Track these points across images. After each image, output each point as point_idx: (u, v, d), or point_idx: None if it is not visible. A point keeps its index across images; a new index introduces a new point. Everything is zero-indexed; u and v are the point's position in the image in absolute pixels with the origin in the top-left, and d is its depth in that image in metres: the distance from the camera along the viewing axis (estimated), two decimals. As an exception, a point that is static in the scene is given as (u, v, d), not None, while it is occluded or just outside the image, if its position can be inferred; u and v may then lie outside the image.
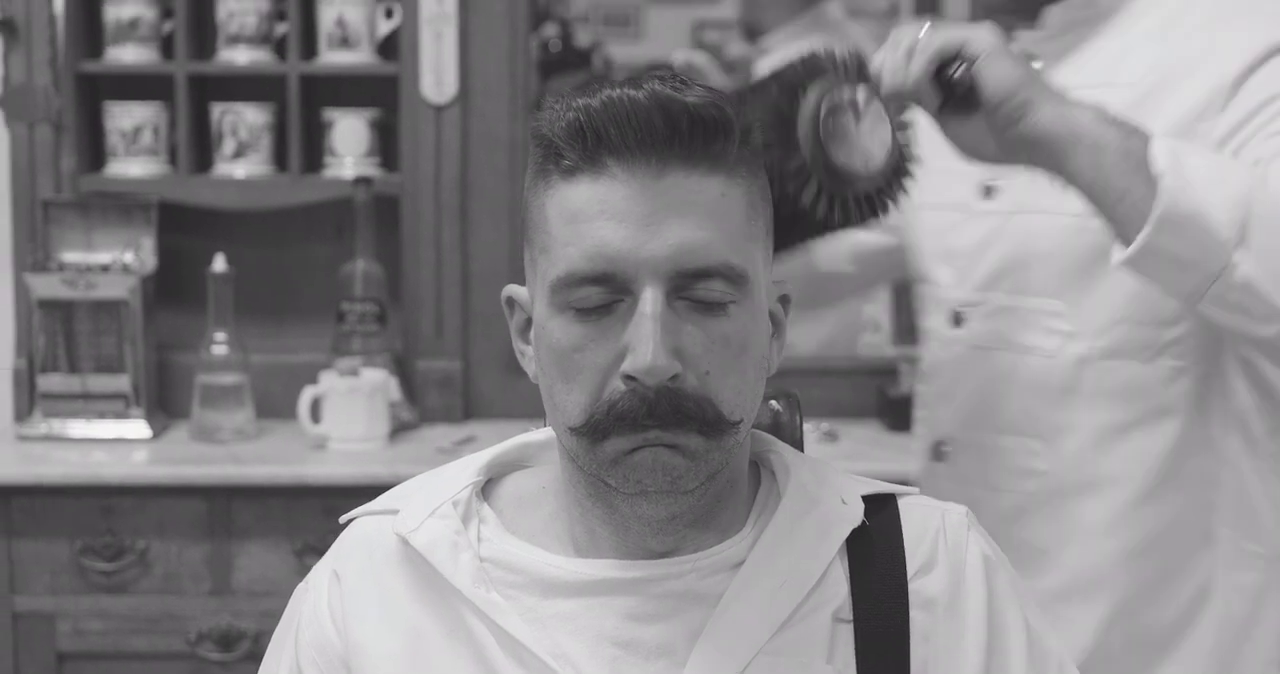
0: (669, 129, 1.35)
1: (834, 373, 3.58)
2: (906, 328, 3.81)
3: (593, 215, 1.35)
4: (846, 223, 1.61)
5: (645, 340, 1.32)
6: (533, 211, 1.43)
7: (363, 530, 1.50)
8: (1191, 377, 1.90)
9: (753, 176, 1.41)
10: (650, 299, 1.33)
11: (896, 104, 1.65)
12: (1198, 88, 1.80)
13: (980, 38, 1.66)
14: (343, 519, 1.52)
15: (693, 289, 1.35)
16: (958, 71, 1.67)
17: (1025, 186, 1.84)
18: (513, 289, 1.48)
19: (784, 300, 1.48)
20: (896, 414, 3.48)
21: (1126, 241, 1.63)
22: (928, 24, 1.69)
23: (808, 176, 1.56)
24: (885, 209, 1.62)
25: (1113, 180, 1.63)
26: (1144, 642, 1.92)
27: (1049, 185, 1.74)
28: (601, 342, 1.35)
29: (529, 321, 1.44)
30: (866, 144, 1.59)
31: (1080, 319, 1.86)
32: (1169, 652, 1.92)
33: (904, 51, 1.66)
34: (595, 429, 1.36)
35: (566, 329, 1.37)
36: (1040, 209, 1.86)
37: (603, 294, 1.35)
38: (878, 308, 3.82)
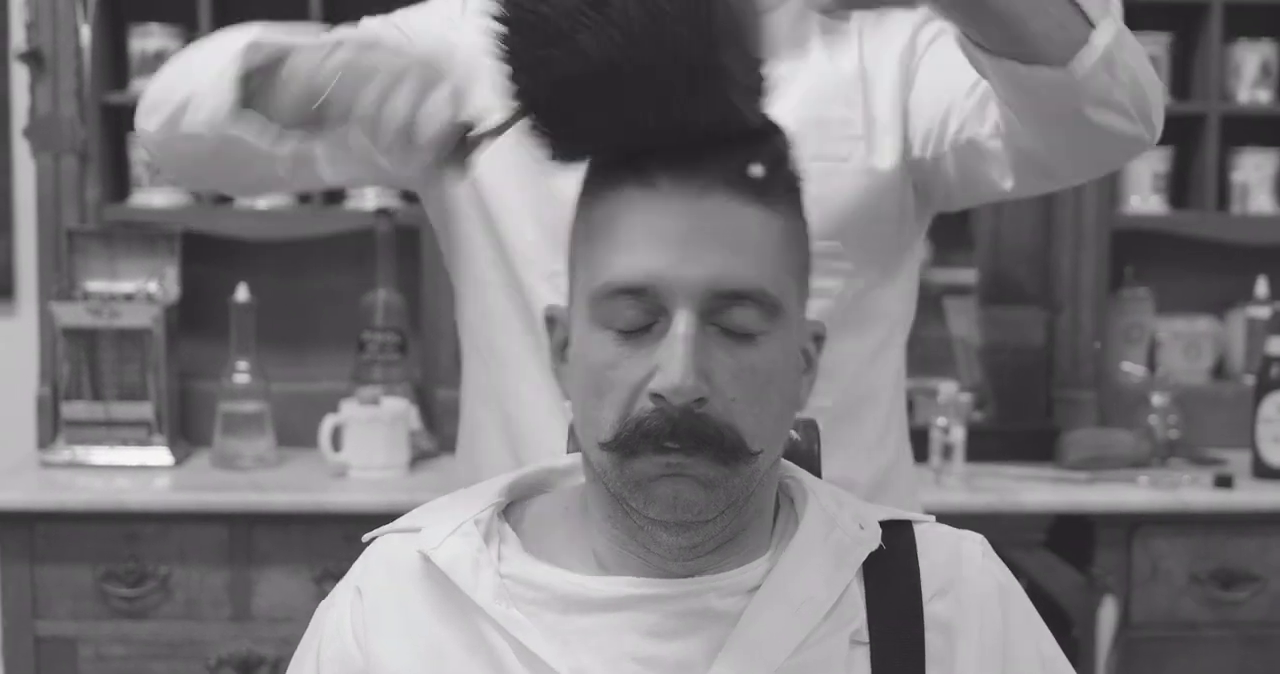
0: (721, 152, 1.38)
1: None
2: (921, 360, 3.84)
3: (636, 229, 1.38)
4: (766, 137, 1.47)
5: (675, 360, 1.35)
6: (578, 226, 1.45)
7: (386, 548, 1.52)
8: (910, 289, 2.04)
9: (792, 213, 1.44)
10: (684, 320, 1.36)
11: None
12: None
13: None
14: (366, 538, 1.54)
15: (726, 314, 1.37)
16: None
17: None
18: (554, 307, 1.50)
19: (817, 339, 1.50)
20: (914, 444, 3.50)
21: (1036, 53, 1.65)
22: None
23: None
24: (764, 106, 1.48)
25: (1033, 6, 1.63)
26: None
27: (811, 130, 1.78)
28: (634, 359, 1.38)
29: (567, 341, 1.47)
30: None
31: (857, 255, 1.90)
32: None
33: None
34: (623, 446, 1.38)
35: (603, 346, 1.39)
36: (811, 155, 1.88)
37: (639, 311, 1.38)
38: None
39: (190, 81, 1.76)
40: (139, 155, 3.59)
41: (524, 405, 2.00)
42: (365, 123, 1.50)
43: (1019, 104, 1.73)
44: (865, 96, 1.94)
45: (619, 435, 1.38)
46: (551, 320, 1.49)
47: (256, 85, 1.65)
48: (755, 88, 1.41)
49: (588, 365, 1.41)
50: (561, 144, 1.41)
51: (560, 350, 1.48)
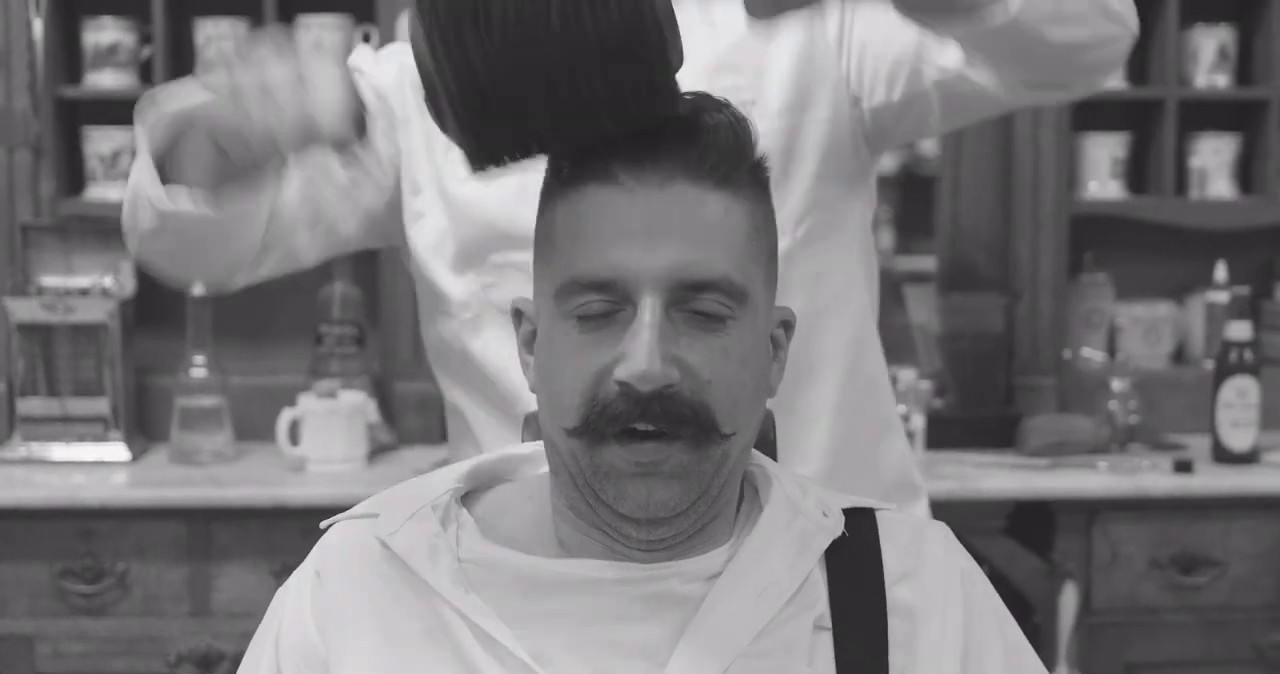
0: (680, 143, 1.38)
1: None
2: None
3: (598, 221, 1.38)
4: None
5: (640, 348, 1.34)
6: (542, 222, 1.45)
7: (343, 534, 1.52)
8: (858, 250, 2.03)
9: (757, 200, 1.44)
10: (649, 307, 1.35)
11: None
12: None
13: None
14: (324, 525, 1.54)
15: (693, 302, 1.37)
16: None
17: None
18: (521, 300, 1.50)
19: (785, 326, 1.50)
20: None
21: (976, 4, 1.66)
22: None
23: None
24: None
25: None
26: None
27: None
28: (600, 347, 1.37)
29: (535, 333, 1.46)
30: None
31: (778, 216, 1.90)
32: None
33: None
34: (590, 431, 1.37)
35: (568, 336, 1.39)
36: None
37: (604, 302, 1.38)
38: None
39: (134, 187, 1.77)
40: (93, 149, 3.57)
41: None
42: (259, 133, 1.51)
43: (983, 50, 1.75)
44: (755, 60, 1.93)
45: (585, 420, 1.37)
46: (518, 313, 1.49)
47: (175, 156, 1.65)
48: (672, 61, 1.38)
49: (552, 353, 1.41)
50: (486, 148, 1.39)
51: (528, 343, 1.48)
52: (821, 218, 1.97)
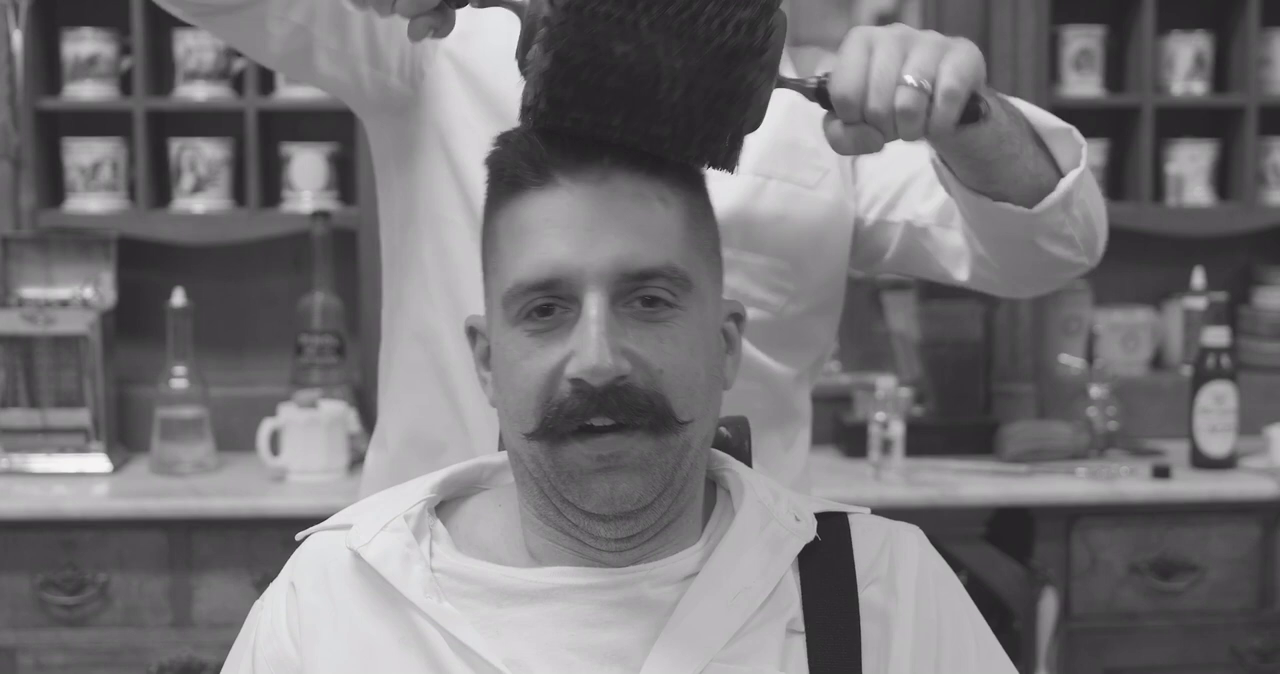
0: (613, 145, 1.40)
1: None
2: (861, 356, 3.86)
3: (538, 227, 1.40)
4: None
5: (589, 343, 1.36)
6: (486, 237, 1.47)
7: (317, 546, 1.53)
8: (835, 327, 2.08)
9: (693, 191, 1.46)
10: (594, 303, 1.37)
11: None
12: None
13: (983, 66, 1.53)
14: (299, 536, 1.54)
15: (638, 291, 1.39)
16: (983, 109, 1.50)
17: (760, 152, 1.89)
18: (474, 318, 1.51)
19: (736, 318, 1.52)
20: (851, 440, 3.52)
21: (1005, 192, 1.69)
22: (904, 35, 1.52)
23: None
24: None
25: (1008, 149, 1.67)
26: None
27: (782, 152, 1.87)
28: (549, 348, 1.39)
29: (489, 349, 1.47)
30: None
31: (805, 279, 1.94)
32: None
33: (897, 74, 1.48)
34: (549, 432, 1.39)
35: (518, 341, 1.41)
36: (770, 174, 1.92)
37: (550, 304, 1.39)
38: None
39: None
40: (74, 161, 3.57)
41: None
42: None
43: (978, 224, 1.79)
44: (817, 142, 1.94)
45: (543, 422, 1.39)
46: (472, 331, 1.51)
47: None
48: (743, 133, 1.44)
49: (505, 361, 1.42)
50: (551, 111, 1.40)
51: (484, 359, 1.49)
52: (834, 292, 2.02)
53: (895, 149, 1.82)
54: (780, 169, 1.92)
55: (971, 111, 1.47)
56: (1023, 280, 1.90)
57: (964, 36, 1.63)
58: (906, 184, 1.95)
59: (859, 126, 1.45)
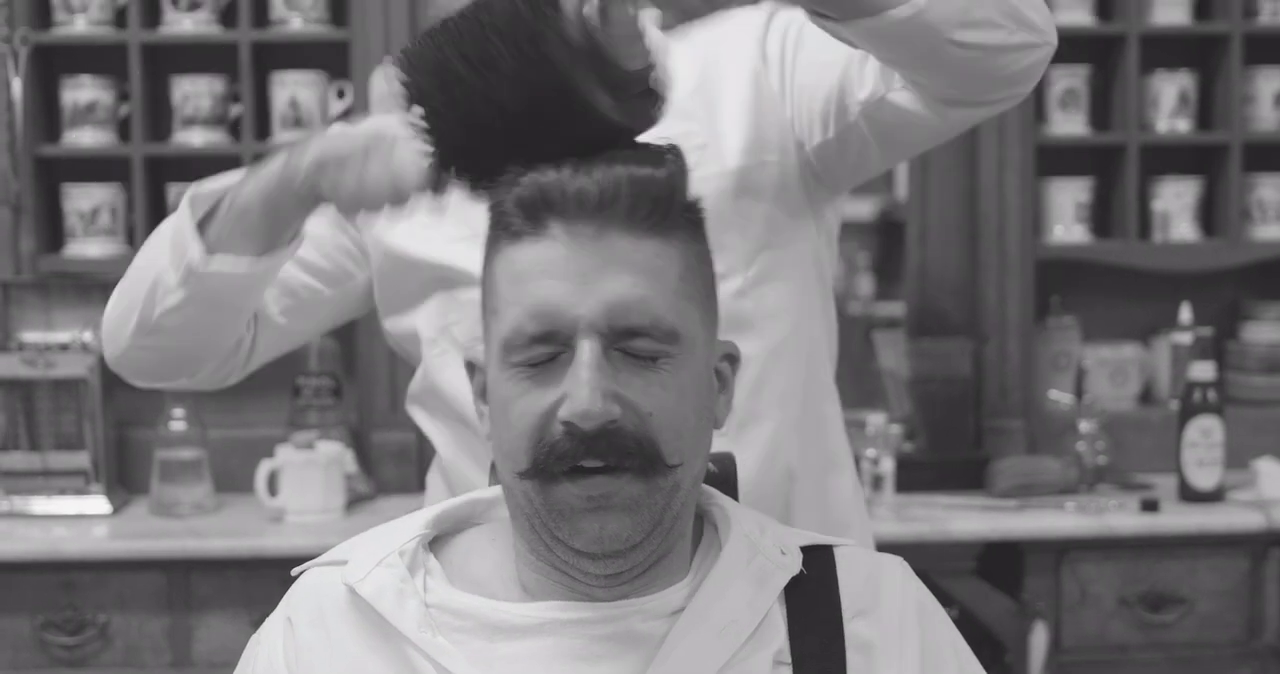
0: (610, 196, 1.43)
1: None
2: (852, 393, 3.88)
3: (535, 274, 1.43)
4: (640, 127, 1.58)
5: (580, 387, 1.39)
6: (486, 280, 1.51)
7: (313, 581, 1.55)
8: (815, 292, 2.08)
9: (690, 240, 1.49)
10: (587, 349, 1.41)
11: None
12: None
13: None
14: (294, 571, 1.57)
15: (627, 343, 1.43)
16: None
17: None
18: (474, 353, 1.54)
19: (730, 359, 1.55)
20: (844, 478, 3.55)
21: (883, 5, 1.70)
22: None
23: (586, 77, 1.52)
24: (659, 108, 1.59)
25: None
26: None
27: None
28: (542, 390, 1.42)
29: (486, 384, 1.51)
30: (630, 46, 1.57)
31: (726, 258, 1.90)
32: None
33: None
34: (540, 472, 1.42)
35: (513, 382, 1.44)
36: None
37: (545, 348, 1.43)
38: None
39: (147, 273, 1.91)
40: (73, 206, 3.61)
41: None
42: (350, 200, 1.72)
43: (894, 56, 1.79)
44: (708, 108, 1.98)
45: (535, 462, 1.42)
46: (471, 366, 1.54)
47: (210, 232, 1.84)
48: (630, 95, 1.51)
49: (500, 399, 1.46)
50: (475, 176, 1.52)
51: (481, 393, 1.52)
52: (774, 257, 2.01)
53: (818, 60, 1.86)
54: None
55: None
56: (982, 85, 1.84)
57: None
58: (842, 83, 1.93)
59: None
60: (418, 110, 1.51)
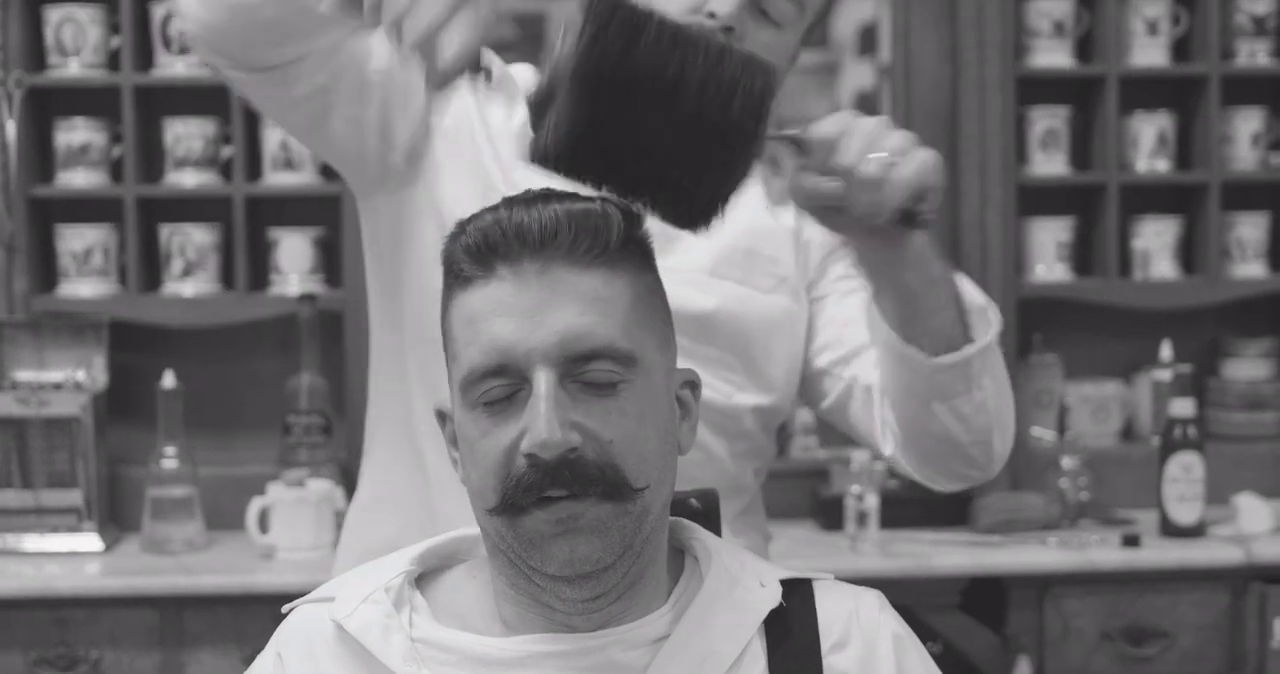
0: (550, 232, 1.47)
1: (769, 475, 3.67)
2: (838, 431, 3.92)
3: (486, 314, 1.47)
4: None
5: (538, 419, 1.43)
6: (444, 327, 1.54)
7: (302, 618, 1.58)
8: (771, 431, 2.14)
9: (637, 270, 1.52)
10: (543, 381, 1.44)
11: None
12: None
13: (940, 174, 1.64)
14: (284, 609, 1.60)
15: (583, 371, 1.46)
16: (924, 211, 1.61)
17: (718, 255, 2.00)
18: (442, 402, 1.58)
19: (691, 385, 1.58)
20: (828, 514, 3.58)
21: (914, 342, 1.78)
22: (884, 122, 1.63)
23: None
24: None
25: (935, 296, 1.77)
26: None
27: (740, 257, 1.96)
28: (504, 427, 1.46)
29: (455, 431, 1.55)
30: None
31: (749, 374, 2.01)
32: None
33: (868, 143, 1.60)
34: (509, 506, 1.45)
35: (476, 422, 1.48)
36: (726, 275, 2.01)
37: (503, 386, 1.46)
38: (810, 414, 3.92)
39: None
40: (66, 247, 3.65)
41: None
42: (395, 23, 1.56)
43: (890, 371, 1.87)
44: (795, 252, 2.05)
45: (503, 497, 1.45)
46: (441, 415, 1.57)
47: None
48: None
49: (466, 441, 1.49)
50: (561, 156, 1.50)
51: (453, 441, 1.55)
52: (784, 401, 2.07)
53: (852, 306, 1.92)
54: (736, 272, 2.00)
55: (912, 214, 1.58)
56: (928, 461, 1.94)
57: (934, 117, 1.76)
58: (864, 347, 2.00)
59: (819, 180, 1.58)
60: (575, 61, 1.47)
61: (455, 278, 1.51)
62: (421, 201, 2.03)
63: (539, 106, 1.50)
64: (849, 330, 2.03)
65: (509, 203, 1.49)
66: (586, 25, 1.46)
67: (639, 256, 1.53)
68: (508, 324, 1.46)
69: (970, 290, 1.84)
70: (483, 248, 1.48)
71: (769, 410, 2.05)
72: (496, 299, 1.47)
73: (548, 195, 1.49)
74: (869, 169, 1.56)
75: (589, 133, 1.48)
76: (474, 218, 1.49)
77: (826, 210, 1.64)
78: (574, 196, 1.50)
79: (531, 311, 1.46)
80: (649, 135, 1.49)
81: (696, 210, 1.54)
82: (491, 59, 1.64)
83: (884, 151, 1.56)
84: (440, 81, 1.57)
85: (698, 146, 1.50)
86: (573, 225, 1.47)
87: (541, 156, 1.50)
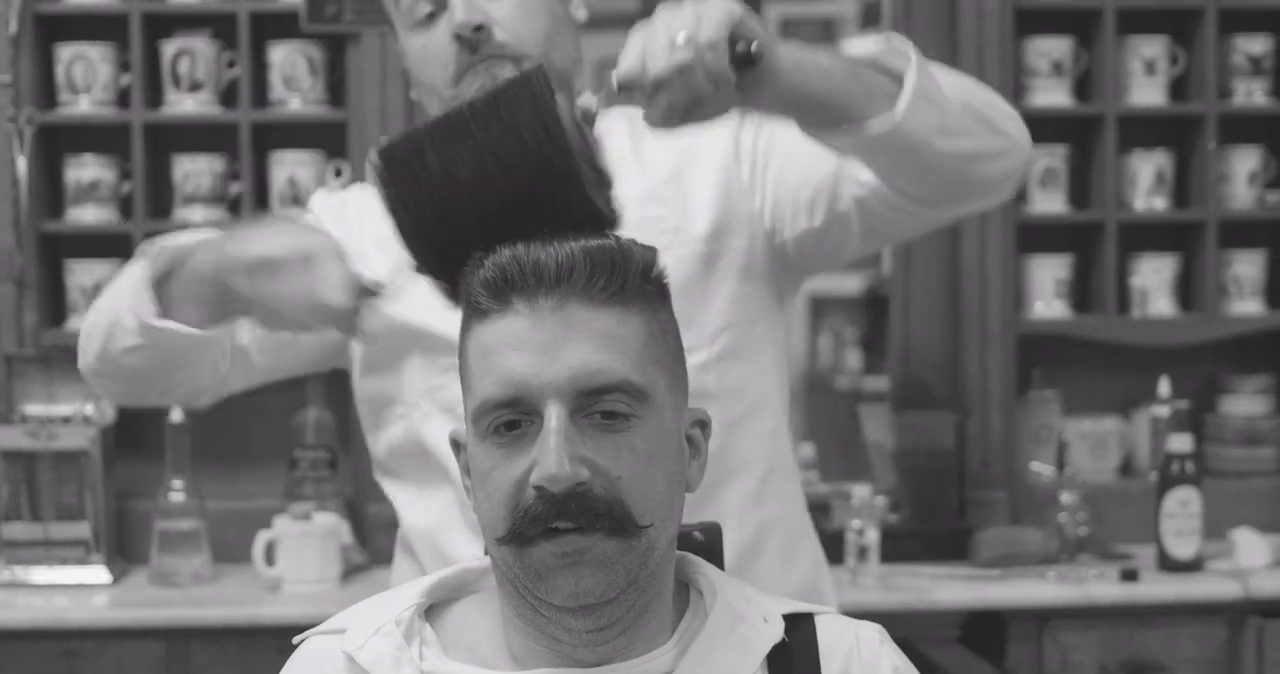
0: (566, 270, 1.50)
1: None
2: (838, 466, 3.95)
3: (501, 347, 1.50)
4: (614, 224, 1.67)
5: (550, 453, 1.46)
6: (460, 360, 1.57)
7: (314, 649, 1.61)
8: (773, 371, 2.18)
9: (651, 309, 1.55)
10: (554, 415, 1.47)
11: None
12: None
13: (734, 9, 1.73)
14: (295, 640, 1.63)
15: (596, 405, 1.49)
16: (752, 48, 1.73)
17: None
18: (457, 431, 1.61)
19: (701, 425, 1.61)
20: (829, 548, 3.58)
21: (864, 117, 1.83)
22: (663, 10, 1.73)
23: (587, 177, 1.62)
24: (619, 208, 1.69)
25: (840, 81, 1.82)
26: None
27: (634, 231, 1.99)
28: (515, 459, 1.49)
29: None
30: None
31: (693, 333, 2.01)
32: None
33: (667, 40, 1.69)
34: (517, 537, 1.48)
35: (488, 453, 1.51)
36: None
37: (515, 418, 1.49)
38: (810, 448, 3.96)
39: (111, 310, 2.01)
40: (75, 281, 3.68)
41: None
42: (272, 314, 1.84)
43: (876, 164, 1.89)
44: (680, 193, 2.11)
45: (511, 527, 1.48)
46: (456, 444, 1.60)
47: (168, 288, 1.93)
48: (604, 186, 1.61)
49: (478, 472, 1.52)
50: (447, 264, 1.59)
51: (466, 470, 1.58)
52: (738, 336, 2.11)
53: (806, 152, 1.97)
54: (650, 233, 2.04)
55: (741, 55, 1.70)
56: (970, 191, 1.98)
57: None
58: (837, 175, 2.04)
59: (659, 97, 1.68)
60: (393, 196, 1.58)
61: (473, 310, 1.53)
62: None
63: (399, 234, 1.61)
64: (813, 176, 2.06)
65: (529, 238, 1.52)
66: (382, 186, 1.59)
67: (654, 295, 1.56)
68: (522, 358, 1.48)
69: (860, 45, 1.89)
70: (500, 282, 1.50)
71: (733, 359, 2.09)
72: (512, 333, 1.50)
73: (568, 233, 1.52)
74: (678, 59, 1.66)
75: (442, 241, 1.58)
76: (494, 252, 1.52)
77: (688, 113, 1.73)
78: (592, 233, 1.54)
79: (546, 346, 1.48)
80: (492, 210, 1.56)
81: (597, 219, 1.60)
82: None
83: (679, 34, 1.67)
84: (367, 329, 1.84)
85: (534, 187, 1.56)
86: (590, 263, 1.50)
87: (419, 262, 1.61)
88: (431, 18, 2.10)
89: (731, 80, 1.71)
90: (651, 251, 1.56)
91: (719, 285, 2.10)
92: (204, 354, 2.02)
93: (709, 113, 1.75)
